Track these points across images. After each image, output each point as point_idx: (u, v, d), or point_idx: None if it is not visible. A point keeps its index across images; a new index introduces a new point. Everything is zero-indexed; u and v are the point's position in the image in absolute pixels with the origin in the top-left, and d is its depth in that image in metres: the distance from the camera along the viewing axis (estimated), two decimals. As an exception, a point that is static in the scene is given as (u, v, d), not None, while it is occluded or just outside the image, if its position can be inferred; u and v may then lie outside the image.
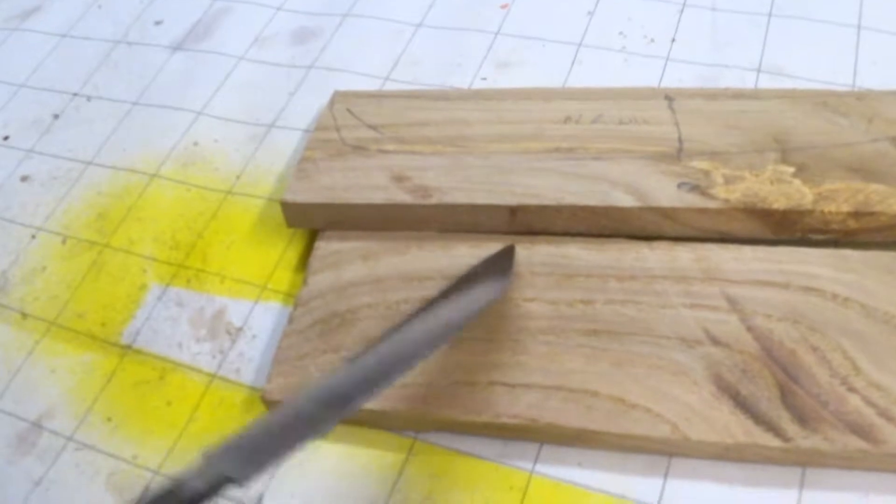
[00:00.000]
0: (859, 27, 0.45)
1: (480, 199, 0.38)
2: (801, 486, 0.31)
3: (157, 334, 0.39)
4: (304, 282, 0.38)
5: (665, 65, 0.46)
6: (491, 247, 0.38)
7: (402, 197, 0.38)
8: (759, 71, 0.44)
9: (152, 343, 0.38)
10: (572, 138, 0.40)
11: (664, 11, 0.48)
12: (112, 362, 0.38)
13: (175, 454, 0.35)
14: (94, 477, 0.35)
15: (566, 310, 0.35)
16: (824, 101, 0.40)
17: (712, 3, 0.48)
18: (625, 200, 0.37)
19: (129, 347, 0.38)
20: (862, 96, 0.40)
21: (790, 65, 0.44)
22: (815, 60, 0.44)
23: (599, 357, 0.33)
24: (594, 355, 0.33)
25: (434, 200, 0.38)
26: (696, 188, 0.37)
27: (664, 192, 0.37)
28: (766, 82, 0.44)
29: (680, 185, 0.37)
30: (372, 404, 0.33)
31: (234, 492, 0.33)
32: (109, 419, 0.36)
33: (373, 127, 0.42)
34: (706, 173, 0.37)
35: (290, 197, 0.39)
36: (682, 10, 0.48)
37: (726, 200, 0.36)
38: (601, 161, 0.38)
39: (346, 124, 0.42)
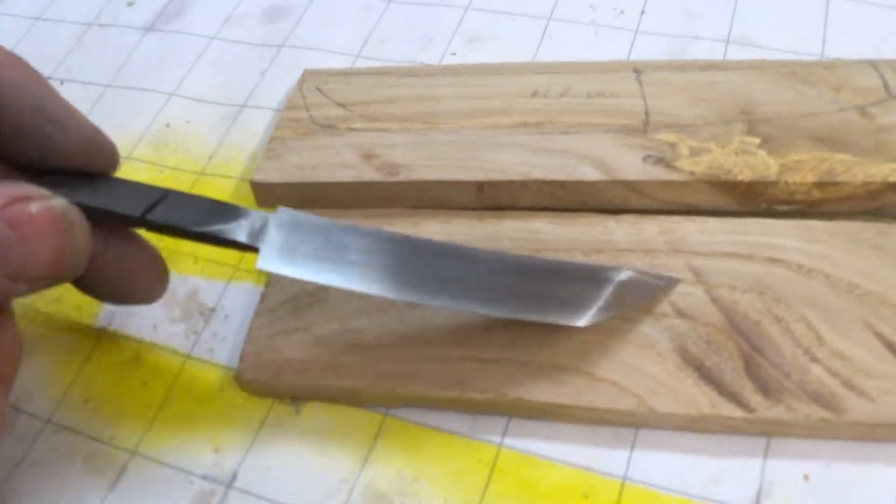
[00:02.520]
0: (829, -4, 0.45)
1: (448, 175, 0.38)
2: (766, 455, 0.31)
3: (131, 316, 0.39)
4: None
5: (635, 37, 0.45)
6: (460, 223, 0.38)
7: (370, 175, 0.39)
8: (728, 42, 0.44)
9: (127, 325, 0.39)
10: (540, 112, 0.40)
11: (634, -17, 0.48)
12: (88, 344, 0.38)
13: (151, 434, 0.35)
14: (73, 458, 0.35)
15: (534, 285, 0.35)
16: (792, 72, 0.40)
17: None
18: (591, 174, 0.37)
19: (104, 330, 0.38)
20: (829, 66, 0.40)
21: (760, 35, 0.44)
22: (784, 30, 0.44)
23: (567, 331, 0.34)
24: (562, 330, 0.34)
25: (402, 178, 0.38)
26: (661, 161, 0.37)
27: (630, 165, 0.37)
28: (736, 53, 0.44)
29: (646, 158, 0.37)
30: (343, 381, 0.34)
31: (207, 468, 0.34)
32: (86, 400, 0.36)
33: (342, 105, 0.42)
34: (672, 146, 0.37)
35: (260, 177, 0.40)
36: (652, -18, 0.48)
37: (691, 173, 0.36)
38: (568, 135, 0.39)
39: (316, 103, 0.42)
